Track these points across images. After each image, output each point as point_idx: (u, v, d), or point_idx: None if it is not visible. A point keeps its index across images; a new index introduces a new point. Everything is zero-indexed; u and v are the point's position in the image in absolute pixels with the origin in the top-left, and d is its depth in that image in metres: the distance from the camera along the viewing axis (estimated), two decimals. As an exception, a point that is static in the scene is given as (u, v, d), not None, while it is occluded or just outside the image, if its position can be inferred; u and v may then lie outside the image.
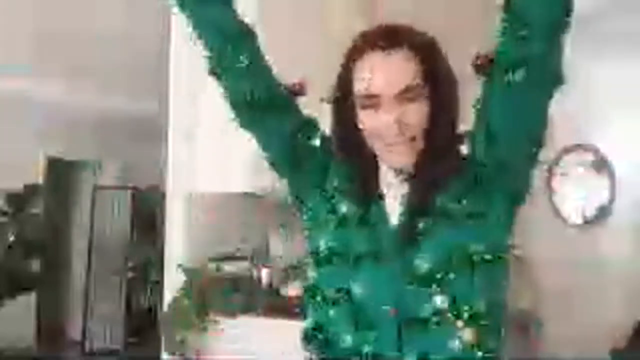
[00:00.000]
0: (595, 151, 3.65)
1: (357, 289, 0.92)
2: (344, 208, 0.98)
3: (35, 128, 5.30)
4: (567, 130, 3.65)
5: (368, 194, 0.98)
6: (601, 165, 3.65)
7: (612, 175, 3.60)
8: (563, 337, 3.36)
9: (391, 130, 0.91)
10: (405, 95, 0.90)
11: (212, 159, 2.86)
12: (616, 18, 3.02)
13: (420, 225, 0.92)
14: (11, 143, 5.11)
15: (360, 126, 0.95)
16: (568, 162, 3.74)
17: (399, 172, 0.97)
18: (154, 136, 4.63)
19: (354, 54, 0.95)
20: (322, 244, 0.97)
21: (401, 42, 0.91)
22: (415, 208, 0.93)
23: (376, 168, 1.00)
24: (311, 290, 0.97)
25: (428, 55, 0.93)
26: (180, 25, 2.72)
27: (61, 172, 5.98)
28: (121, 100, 5.22)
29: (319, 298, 0.95)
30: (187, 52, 2.76)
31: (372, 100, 0.92)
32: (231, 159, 2.75)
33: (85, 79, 4.80)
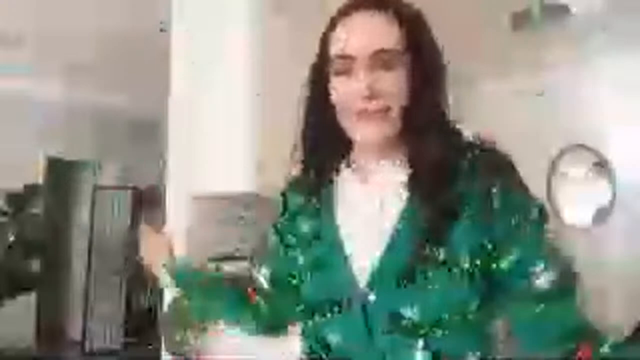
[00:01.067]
0: (596, 152, 3.65)
1: (332, 338, 0.87)
2: (300, 259, 0.95)
3: (35, 128, 5.30)
4: (567, 130, 3.65)
5: (328, 208, 0.94)
6: (601, 165, 3.65)
7: (612, 176, 3.60)
8: (563, 338, 3.35)
9: (362, 96, 0.85)
10: (381, 57, 0.85)
11: (212, 159, 2.86)
12: (618, 17, 3.02)
13: (420, 267, 0.81)
14: (11, 143, 5.11)
15: (332, 95, 0.90)
16: (568, 162, 3.74)
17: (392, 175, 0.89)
18: (154, 136, 4.63)
19: (335, 18, 0.91)
20: (300, 297, 0.95)
21: (387, 6, 0.88)
22: (421, 240, 0.82)
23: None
24: (303, 341, 0.95)
25: (413, 24, 0.88)
26: (180, 24, 2.72)
27: (61, 172, 5.98)
28: (121, 100, 5.23)
29: (307, 349, 0.93)
30: (187, 52, 2.76)
31: (346, 63, 0.86)
32: (231, 159, 2.74)
33: (85, 78, 4.80)
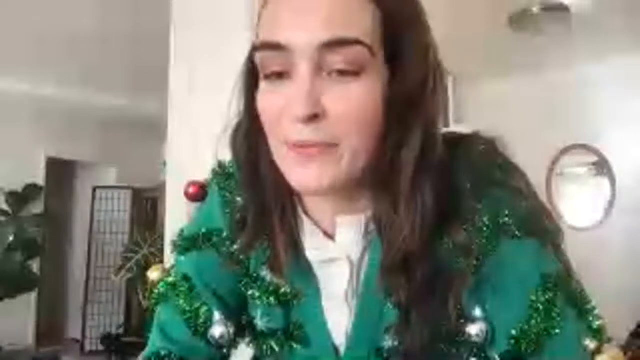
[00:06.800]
0: (596, 152, 3.65)
1: None
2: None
3: (35, 128, 5.31)
4: (567, 130, 3.66)
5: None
6: (602, 165, 3.65)
7: (612, 176, 3.60)
8: (563, 338, 3.35)
9: (298, 109, 0.52)
10: (337, 52, 0.51)
11: (212, 159, 2.86)
12: (617, 16, 3.02)
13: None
14: (11, 143, 5.12)
15: (259, 111, 0.58)
16: (568, 162, 3.75)
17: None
18: (154, 136, 4.63)
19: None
20: None
21: None
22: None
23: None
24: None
25: (398, 5, 0.55)
26: (180, 24, 2.72)
27: (61, 172, 5.99)
28: (121, 100, 5.23)
29: None
30: (187, 52, 2.76)
31: (277, 59, 0.53)
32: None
33: (85, 79, 4.79)
